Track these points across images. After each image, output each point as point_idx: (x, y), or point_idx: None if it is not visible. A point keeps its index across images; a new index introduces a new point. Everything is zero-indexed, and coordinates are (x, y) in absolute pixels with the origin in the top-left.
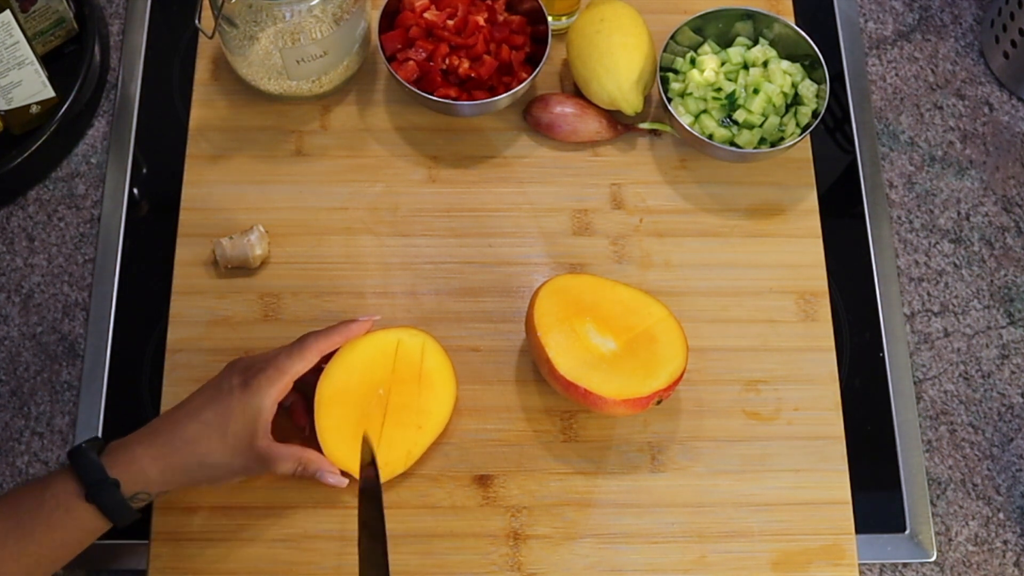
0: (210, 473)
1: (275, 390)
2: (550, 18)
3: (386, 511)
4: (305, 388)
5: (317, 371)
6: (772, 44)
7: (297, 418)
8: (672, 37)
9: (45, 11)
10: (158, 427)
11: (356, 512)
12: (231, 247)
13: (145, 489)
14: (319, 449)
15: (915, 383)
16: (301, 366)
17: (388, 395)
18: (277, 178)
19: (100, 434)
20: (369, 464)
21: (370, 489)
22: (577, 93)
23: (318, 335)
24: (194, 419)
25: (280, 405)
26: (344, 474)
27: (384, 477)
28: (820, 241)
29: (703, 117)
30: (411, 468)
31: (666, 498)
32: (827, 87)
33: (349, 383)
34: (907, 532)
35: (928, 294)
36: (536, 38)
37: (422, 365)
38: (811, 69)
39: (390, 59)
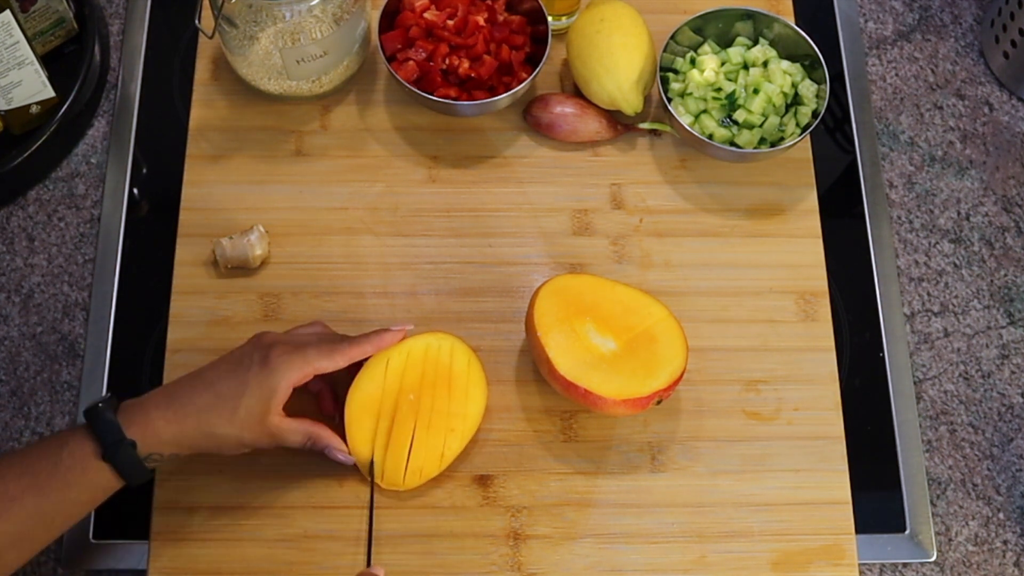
0: (218, 443)
1: (295, 376)
2: (550, 18)
3: (386, 511)
4: (332, 379)
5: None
6: (772, 44)
7: (325, 406)
8: (672, 37)
9: (45, 11)
10: (174, 391)
11: (356, 512)
12: (231, 247)
13: (159, 451)
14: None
15: (915, 383)
16: (326, 364)
17: (419, 400)
18: (277, 178)
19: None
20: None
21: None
22: (577, 93)
23: (352, 343)
24: (210, 389)
25: (307, 390)
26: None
27: (418, 481)
28: (820, 241)
29: (703, 117)
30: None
31: (666, 498)
32: (827, 87)
33: (379, 392)
34: (907, 532)
35: (928, 294)
36: (536, 38)
37: (451, 368)
38: (811, 69)
39: (390, 59)
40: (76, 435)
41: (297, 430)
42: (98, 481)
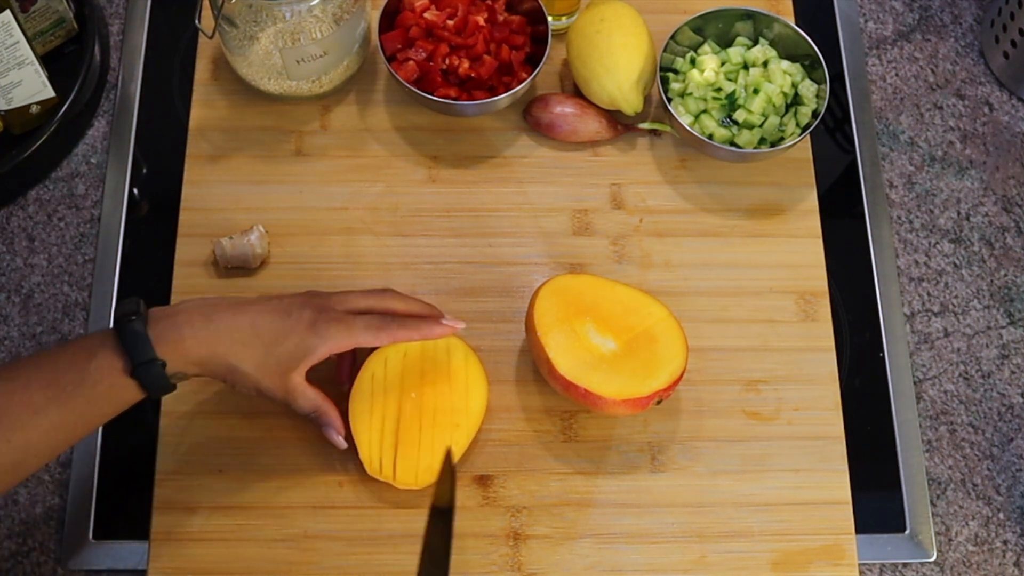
0: (237, 379)
1: (336, 344)
2: (550, 18)
3: (386, 511)
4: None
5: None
6: (772, 44)
7: (341, 372)
8: (672, 37)
9: (45, 11)
10: (213, 313)
11: (355, 512)
12: (231, 247)
13: (185, 370)
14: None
15: (915, 383)
16: (370, 340)
17: (421, 399)
18: (277, 178)
19: (99, 434)
20: (447, 484)
21: (445, 511)
22: (577, 93)
23: (401, 324)
24: (251, 325)
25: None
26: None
27: (430, 480)
28: (820, 241)
29: (703, 117)
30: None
31: (666, 498)
32: (827, 87)
33: (381, 393)
34: (907, 532)
35: (928, 294)
36: (536, 38)
37: (450, 364)
38: (811, 69)
39: (390, 59)
40: (105, 347)
41: (309, 397)
42: (123, 395)
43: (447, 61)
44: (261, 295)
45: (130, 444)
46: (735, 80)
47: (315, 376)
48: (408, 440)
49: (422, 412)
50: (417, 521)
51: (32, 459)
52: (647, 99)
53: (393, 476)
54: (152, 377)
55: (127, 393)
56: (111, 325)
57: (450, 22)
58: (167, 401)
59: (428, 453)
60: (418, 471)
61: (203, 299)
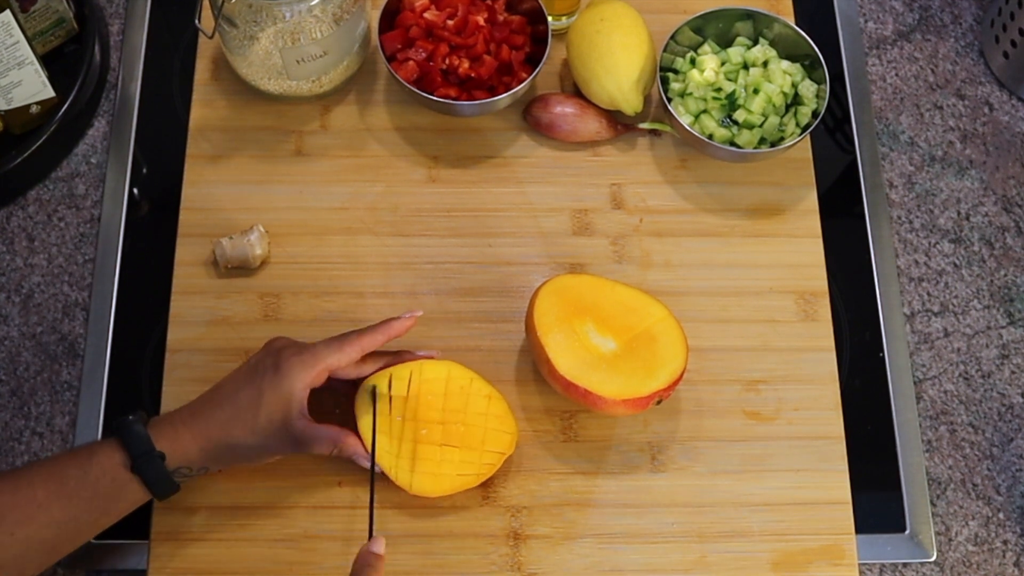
0: (245, 454)
1: (307, 375)
2: (550, 18)
3: (386, 511)
4: (340, 387)
5: (352, 382)
6: (772, 44)
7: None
8: (672, 37)
9: (45, 11)
10: (197, 408)
11: (356, 512)
12: (231, 247)
13: (187, 464)
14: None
15: (915, 383)
16: (338, 358)
17: (445, 433)
18: (277, 178)
19: (99, 434)
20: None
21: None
22: (577, 93)
23: (361, 332)
24: (229, 401)
25: (330, 389)
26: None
27: (444, 491)
28: (820, 241)
29: (703, 117)
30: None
31: (666, 498)
32: (827, 87)
33: (398, 418)
34: (907, 532)
35: (928, 294)
36: (536, 38)
37: (467, 408)
38: (811, 69)
39: (390, 59)
40: (106, 446)
41: (323, 437)
42: (126, 493)
43: (447, 61)
44: (238, 367)
45: None
46: (735, 80)
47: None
48: (427, 456)
49: (443, 439)
50: (417, 521)
51: (34, 555)
52: (647, 99)
53: (410, 485)
54: (153, 471)
55: (129, 490)
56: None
57: (450, 22)
58: (167, 401)
59: (450, 474)
60: (435, 487)
61: (191, 401)
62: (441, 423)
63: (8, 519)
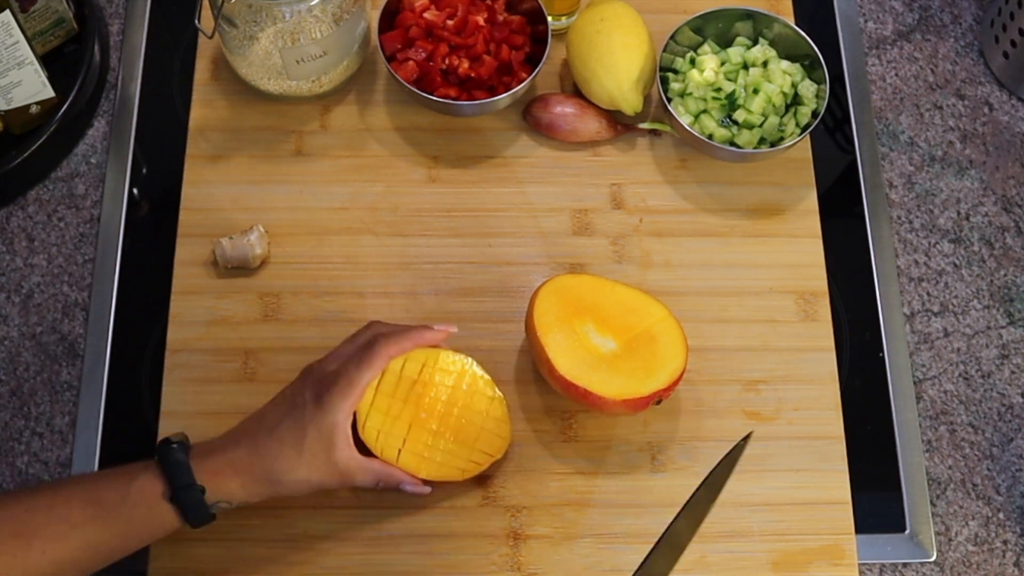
0: (290, 488)
1: (348, 404)
2: (550, 18)
3: (386, 511)
4: None
5: None
6: (772, 44)
7: None
8: (672, 37)
9: (45, 11)
10: (238, 439)
11: (355, 512)
12: (231, 247)
13: (227, 499)
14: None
15: (915, 383)
16: (371, 375)
17: (440, 418)
18: (277, 178)
19: (99, 434)
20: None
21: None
22: (577, 93)
23: (388, 341)
24: (271, 435)
25: None
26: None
27: (430, 475)
28: (820, 241)
29: (703, 117)
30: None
31: (666, 498)
32: (827, 87)
33: (393, 396)
34: (907, 532)
35: (928, 294)
36: (536, 38)
37: (472, 406)
38: (811, 69)
39: (390, 59)
40: (147, 472)
41: (367, 469)
42: (161, 521)
43: (447, 61)
44: (272, 399)
45: (130, 444)
46: (735, 80)
47: None
48: (418, 439)
49: (439, 428)
50: (417, 521)
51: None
52: (647, 99)
53: (395, 461)
54: (191, 503)
55: (166, 519)
56: (155, 453)
57: (450, 22)
58: (167, 401)
59: (434, 462)
60: (419, 467)
61: (231, 430)
62: (441, 413)
63: (41, 536)
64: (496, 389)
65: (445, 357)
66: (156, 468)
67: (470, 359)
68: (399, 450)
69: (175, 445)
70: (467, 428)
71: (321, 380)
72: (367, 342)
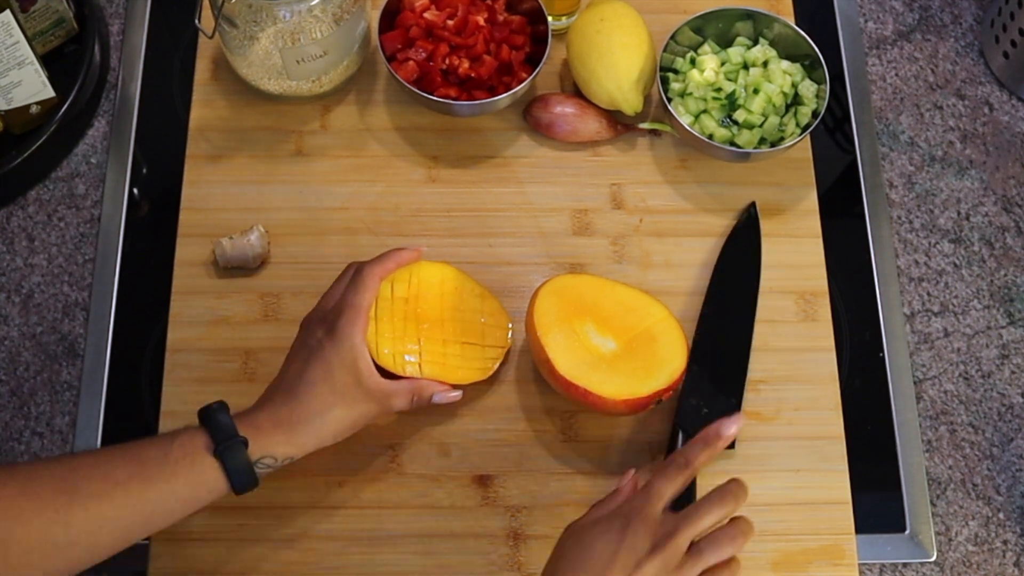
0: (335, 428)
1: (359, 328)
2: (550, 18)
3: (386, 511)
4: None
5: None
6: (772, 44)
7: None
8: (672, 37)
9: (45, 11)
10: (271, 395)
11: (355, 512)
12: (231, 247)
13: (271, 454)
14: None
15: (915, 383)
16: (370, 297)
17: (444, 330)
18: (277, 178)
19: (99, 434)
20: None
21: None
22: (577, 93)
23: (372, 265)
24: (300, 379)
25: None
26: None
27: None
28: (820, 241)
29: (703, 117)
30: (409, 468)
31: None
32: (827, 87)
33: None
34: (907, 532)
35: (928, 294)
36: (536, 38)
37: (463, 302)
38: (811, 69)
39: (390, 59)
40: (188, 430)
41: (399, 388)
42: (205, 478)
43: (447, 61)
44: (287, 357)
45: None
46: (735, 80)
47: None
48: (432, 350)
49: (444, 336)
50: (417, 521)
51: (107, 536)
52: (647, 99)
53: (419, 373)
54: (234, 457)
55: (208, 476)
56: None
57: (450, 22)
58: (167, 401)
59: (455, 367)
60: (444, 374)
61: (259, 399)
62: (440, 321)
63: (83, 492)
64: (480, 285)
65: (422, 269)
66: (198, 427)
67: (443, 265)
68: (419, 364)
69: (215, 406)
70: (471, 329)
71: (325, 317)
72: (354, 274)
